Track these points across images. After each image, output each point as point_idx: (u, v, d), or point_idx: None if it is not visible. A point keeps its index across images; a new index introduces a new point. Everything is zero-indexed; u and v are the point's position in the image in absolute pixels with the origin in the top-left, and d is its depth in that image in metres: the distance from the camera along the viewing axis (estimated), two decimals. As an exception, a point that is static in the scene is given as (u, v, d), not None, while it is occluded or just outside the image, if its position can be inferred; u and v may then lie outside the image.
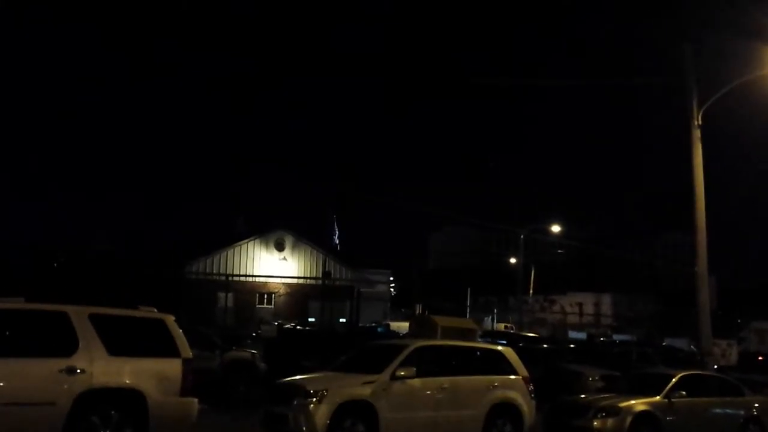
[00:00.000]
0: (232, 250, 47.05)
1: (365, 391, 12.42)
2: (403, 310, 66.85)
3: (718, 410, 16.08)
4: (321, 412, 11.91)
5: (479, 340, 24.81)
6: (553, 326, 64.69)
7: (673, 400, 15.14)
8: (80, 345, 10.11)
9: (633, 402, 14.85)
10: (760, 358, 36.32)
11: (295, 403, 12.11)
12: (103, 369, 10.12)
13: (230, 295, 41.42)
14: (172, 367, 10.73)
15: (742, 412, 16.20)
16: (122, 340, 10.55)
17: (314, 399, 11.98)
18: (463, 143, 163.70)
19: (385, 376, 12.70)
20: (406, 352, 13.23)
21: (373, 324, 44.54)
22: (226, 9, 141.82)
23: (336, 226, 61.95)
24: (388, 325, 44.78)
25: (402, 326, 39.30)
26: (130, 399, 10.27)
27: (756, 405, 16.52)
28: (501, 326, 59.68)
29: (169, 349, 10.85)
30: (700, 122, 20.05)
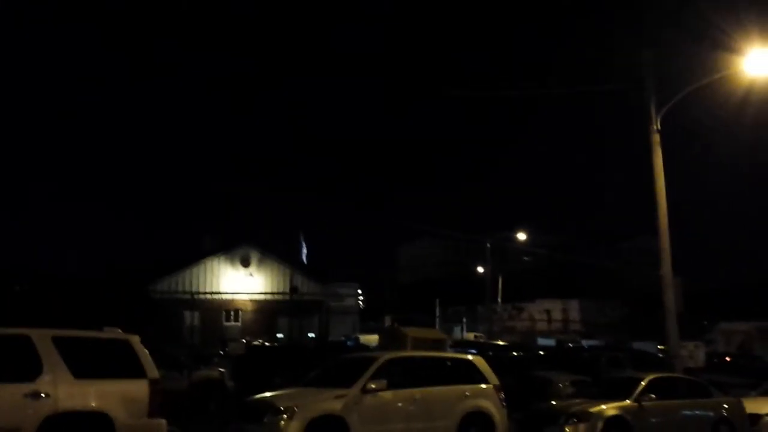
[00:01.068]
0: (197, 267, 46.54)
1: (336, 406, 12.33)
2: (372, 322, 66.76)
3: (688, 412, 16.20)
4: (292, 429, 11.79)
5: (449, 350, 24.83)
6: (522, 334, 65.03)
7: (643, 403, 15.23)
8: (44, 369, 9.92)
9: (603, 407, 14.91)
10: (727, 359, 36.79)
11: (265, 420, 11.99)
12: (68, 392, 9.94)
13: (196, 313, 41.05)
14: (139, 389, 10.55)
15: (711, 414, 16.34)
16: (87, 363, 10.37)
17: (285, 415, 11.87)
18: (428, 149, 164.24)
19: (356, 389, 12.62)
20: (376, 365, 13.17)
21: (343, 338, 44.40)
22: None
23: (303, 241, 61.70)
24: (358, 339, 44.65)
25: (372, 339, 39.24)
26: (96, 422, 10.07)
27: (725, 406, 16.67)
28: (470, 335, 59.82)
29: (136, 370, 10.67)
30: (659, 127, 20.30)
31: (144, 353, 10.90)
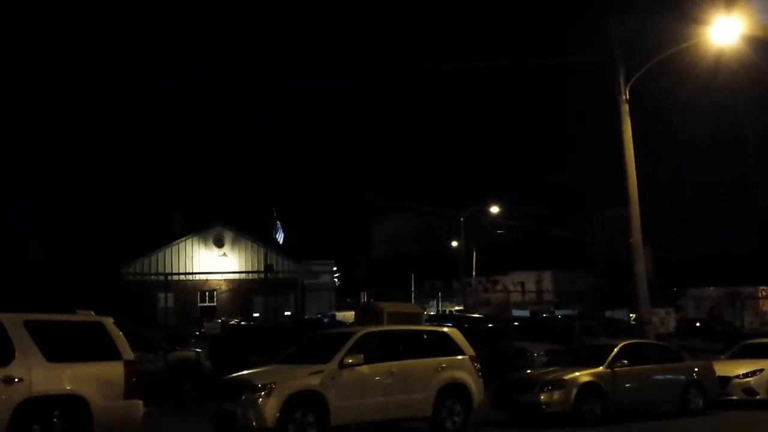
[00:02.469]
0: (170, 249, 46.21)
1: (314, 381, 12.38)
2: (348, 299, 66.91)
3: (660, 376, 16.49)
4: (270, 406, 11.82)
5: (426, 323, 24.97)
6: (497, 306, 65.54)
7: (616, 369, 15.47)
8: (17, 353, 9.85)
9: (577, 374, 15.13)
10: (697, 324, 37.41)
11: (243, 398, 12.01)
12: (42, 376, 9.88)
13: (170, 294, 40.81)
14: (114, 371, 10.52)
15: (683, 377, 16.65)
16: (60, 346, 10.32)
17: (262, 393, 11.89)
18: (401, 127, 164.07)
19: (333, 364, 12.67)
20: (353, 340, 13.22)
21: (319, 315, 44.48)
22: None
23: (277, 219, 61.49)
24: (334, 316, 44.74)
25: (348, 316, 39.36)
26: (72, 405, 10.05)
27: (696, 369, 17.00)
28: (452, 308, 60.20)
29: (110, 352, 10.64)
30: (627, 97, 20.46)
31: (118, 335, 10.86)
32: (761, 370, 17.77)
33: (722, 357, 19.77)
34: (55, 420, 9.87)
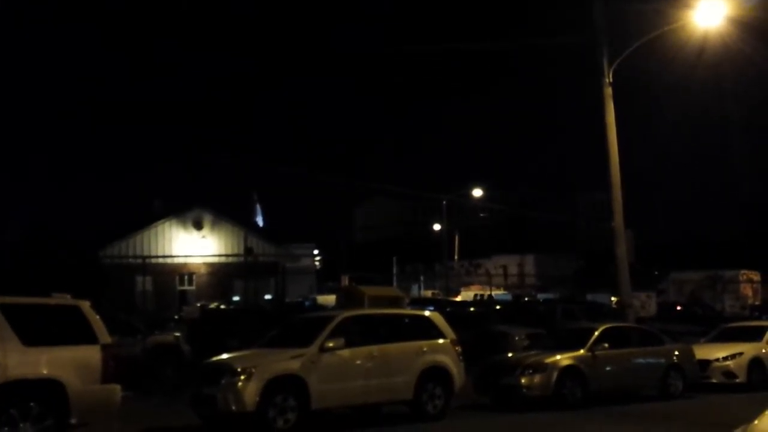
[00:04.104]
0: (148, 231, 45.68)
1: (294, 365, 12.30)
2: (330, 283, 66.80)
3: (640, 360, 16.57)
4: (250, 390, 11.74)
5: (407, 307, 24.96)
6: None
7: (596, 352, 15.52)
8: (-9, 337, 9.67)
9: (558, 357, 15.16)
10: (678, 308, 37.71)
11: (223, 382, 11.92)
12: (18, 360, 9.74)
13: (149, 278, 40.50)
14: (92, 354, 10.38)
15: (663, 361, 16.73)
16: (37, 330, 10.18)
17: (243, 377, 11.81)
18: (382, 108, 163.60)
19: (314, 348, 12.60)
20: (333, 323, 13.15)
21: (300, 299, 44.35)
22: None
23: (258, 202, 61.19)
24: (315, 299, 44.62)
25: (329, 300, 39.24)
26: (49, 389, 9.91)
27: (676, 353, 17.09)
28: (428, 293, 60.23)
29: (87, 336, 10.48)
30: (611, 80, 20.40)
31: (95, 319, 10.71)
32: (740, 354, 17.95)
33: (702, 340, 19.91)
34: (31, 404, 9.73)
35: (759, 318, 31.85)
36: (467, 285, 62.02)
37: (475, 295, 49.87)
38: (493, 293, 48.54)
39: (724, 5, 18.17)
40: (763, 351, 18.32)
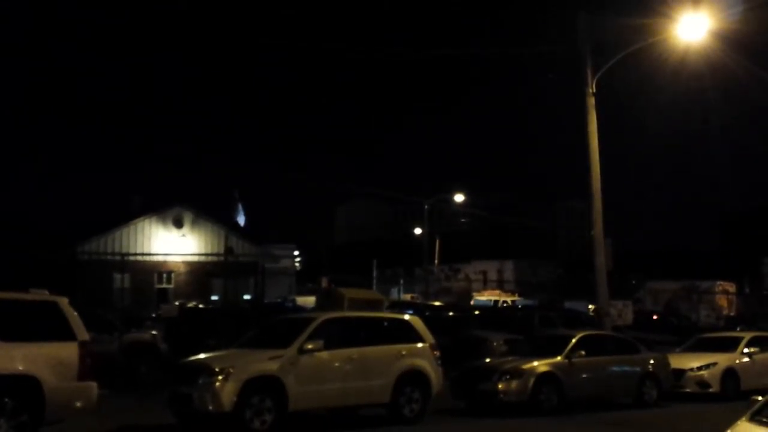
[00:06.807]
0: (127, 228, 45.33)
1: (272, 366, 12.28)
2: (309, 284, 66.63)
3: (616, 368, 16.69)
4: (227, 390, 11.72)
5: (387, 310, 24.95)
6: (458, 294, 65.74)
7: (573, 359, 15.62)
8: (-33, 332, 9.60)
9: (535, 363, 15.24)
10: (654, 317, 38.02)
11: (200, 382, 11.88)
12: None
13: (127, 275, 40.26)
14: (68, 351, 10.32)
15: (638, 369, 16.87)
16: (13, 325, 10.11)
17: (220, 377, 11.77)
18: (360, 113, 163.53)
19: (293, 350, 12.58)
20: (313, 326, 13.14)
21: (279, 300, 44.21)
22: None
23: (239, 202, 60.98)
24: (295, 300, 44.50)
25: (309, 301, 39.13)
26: (24, 386, 9.84)
27: (651, 362, 17.23)
28: (407, 297, 60.23)
29: (64, 333, 10.42)
30: (594, 90, 20.55)
31: (73, 315, 10.64)
32: (714, 364, 18.12)
33: (677, 350, 20.07)
34: (6, 400, 9.66)
35: (733, 329, 32.17)
36: (479, 291, 61.52)
37: (496, 302, 47.79)
38: (509, 299, 47.70)
39: (707, 19, 18.38)
40: (737, 361, 18.52)
